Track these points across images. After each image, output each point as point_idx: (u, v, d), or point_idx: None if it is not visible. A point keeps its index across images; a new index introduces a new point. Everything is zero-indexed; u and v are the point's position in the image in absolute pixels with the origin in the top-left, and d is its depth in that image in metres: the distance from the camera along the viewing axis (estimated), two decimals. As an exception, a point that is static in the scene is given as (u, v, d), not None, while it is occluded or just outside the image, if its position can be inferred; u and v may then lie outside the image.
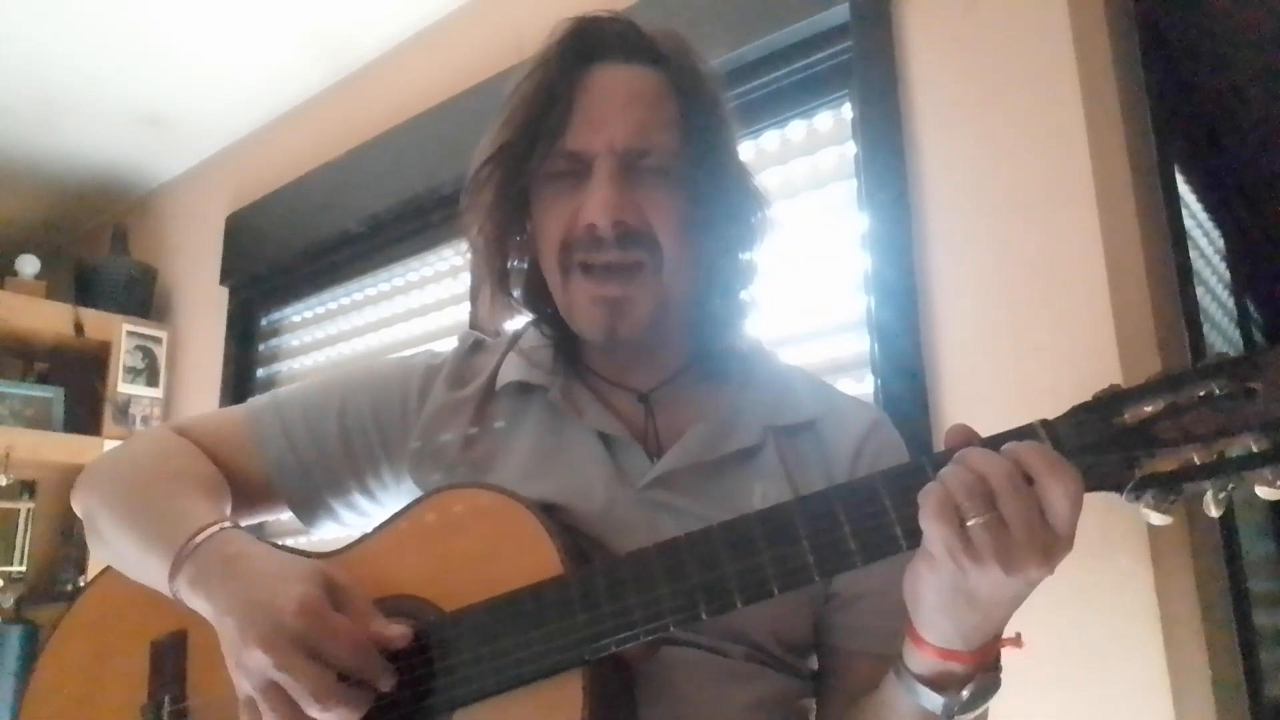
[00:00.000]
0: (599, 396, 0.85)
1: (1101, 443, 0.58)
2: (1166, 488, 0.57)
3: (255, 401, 0.92)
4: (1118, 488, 0.58)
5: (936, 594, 0.61)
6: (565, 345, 0.88)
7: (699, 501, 0.77)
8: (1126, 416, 0.58)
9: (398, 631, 0.69)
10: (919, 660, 0.65)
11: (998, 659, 0.65)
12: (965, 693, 0.63)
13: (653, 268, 0.80)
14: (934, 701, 0.64)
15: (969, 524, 0.57)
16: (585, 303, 0.80)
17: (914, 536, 0.60)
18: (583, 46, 0.82)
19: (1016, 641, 0.65)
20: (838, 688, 0.80)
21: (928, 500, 0.58)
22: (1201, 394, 0.56)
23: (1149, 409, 0.58)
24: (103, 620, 0.88)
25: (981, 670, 0.64)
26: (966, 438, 0.62)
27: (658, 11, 1.70)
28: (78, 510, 0.88)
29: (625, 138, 0.78)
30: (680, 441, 0.80)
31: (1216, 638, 1.13)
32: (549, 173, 0.80)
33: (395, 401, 0.87)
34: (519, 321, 0.92)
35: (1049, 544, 0.57)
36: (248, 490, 0.87)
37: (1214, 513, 0.56)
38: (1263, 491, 0.55)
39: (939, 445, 1.38)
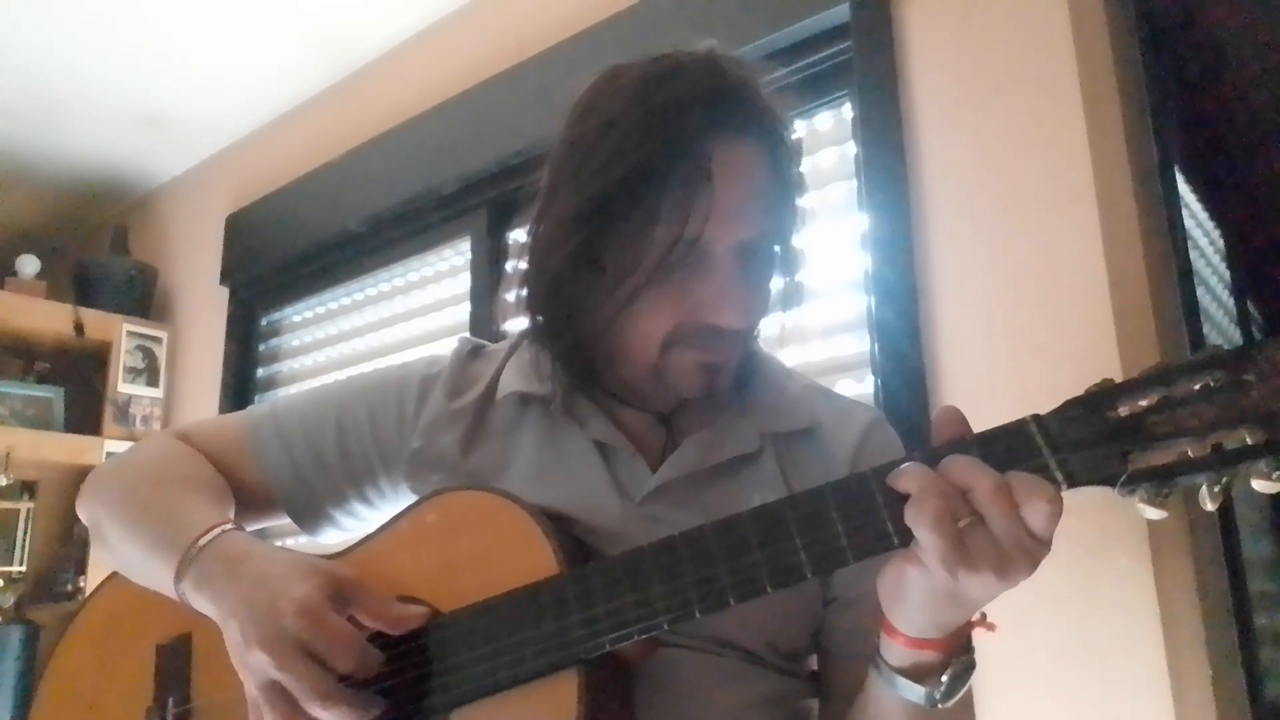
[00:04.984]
0: (602, 409, 0.83)
1: (1094, 437, 0.58)
2: (1160, 481, 0.56)
3: (254, 411, 0.93)
4: (1110, 482, 0.57)
5: (923, 595, 0.61)
6: (575, 362, 0.83)
7: (695, 512, 0.76)
8: (1119, 410, 0.58)
9: (416, 611, 0.70)
10: (896, 652, 0.65)
11: (969, 641, 0.65)
12: (944, 677, 0.64)
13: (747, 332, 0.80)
14: (915, 692, 0.64)
15: (961, 525, 0.57)
16: (690, 368, 0.77)
17: (907, 534, 0.59)
18: (722, 114, 0.72)
19: (987, 624, 0.65)
20: (838, 691, 0.79)
21: (923, 510, 0.58)
22: (1196, 387, 0.55)
23: (1142, 402, 0.57)
24: (108, 626, 0.89)
25: (955, 655, 0.64)
26: (954, 419, 0.64)
27: (658, 11, 1.70)
28: (83, 518, 0.88)
29: (750, 231, 0.74)
30: (677, 451, 0.80)
31: (1216, 638, 1.12)
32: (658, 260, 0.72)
33: (392, 412, 0.87)
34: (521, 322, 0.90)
35: (1035, 551, 0.57)
36: (248, 498, 0.88)
37: (1209, 506, 0.56)
38: (1259, 485, 0.54)
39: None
